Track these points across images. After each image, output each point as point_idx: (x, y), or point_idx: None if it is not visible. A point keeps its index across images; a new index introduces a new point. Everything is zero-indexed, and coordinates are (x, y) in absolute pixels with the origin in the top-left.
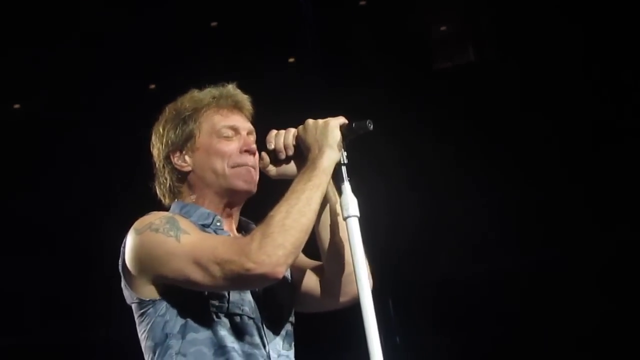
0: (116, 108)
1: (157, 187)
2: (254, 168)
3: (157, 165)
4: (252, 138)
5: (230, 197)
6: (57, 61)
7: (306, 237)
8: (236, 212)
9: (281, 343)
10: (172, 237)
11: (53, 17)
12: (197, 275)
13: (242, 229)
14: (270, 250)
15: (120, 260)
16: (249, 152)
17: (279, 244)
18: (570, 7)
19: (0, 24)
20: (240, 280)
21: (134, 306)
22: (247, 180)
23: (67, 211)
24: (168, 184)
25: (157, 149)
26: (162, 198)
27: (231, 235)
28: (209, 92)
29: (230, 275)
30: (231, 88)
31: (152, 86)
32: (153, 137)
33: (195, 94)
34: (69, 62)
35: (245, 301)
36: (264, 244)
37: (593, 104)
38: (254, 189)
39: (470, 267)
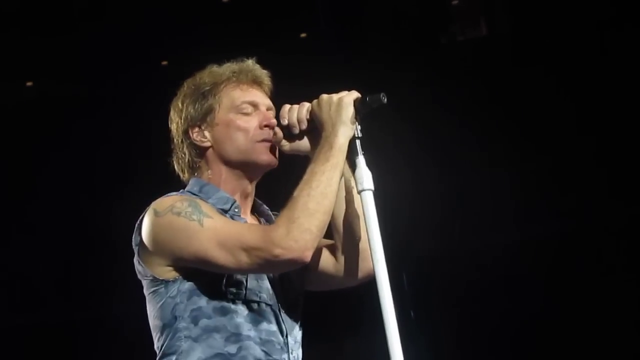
0: (128, 86)
1: (175, 163)
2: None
3: (175, 140)
4: (272, 113)
5: (250, 172)
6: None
7: (329, 219)
8: (252, 190)
9: (297, 329)
10: (194, 220)
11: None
12: (220, 258)
13: (257, 211)
14: (297, 235)
15: (135, 237)
16: (269, 126)
17: (305, 228)
18: None
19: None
20: (269, 266)
21: (145, 282)
22: (269, 155)
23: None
24: (187, 159)
25: (175, 124)
26: (180, 173)
27: (247, 221)
28: (228, 67)
29: (258, 261)
30: (251, 63)
31: (164, 62)
32: (171, 112)
33: (215, 68)
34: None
35: (262, 288)
36: (290, 229)
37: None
38: (276, 162)
39: (485, 239)
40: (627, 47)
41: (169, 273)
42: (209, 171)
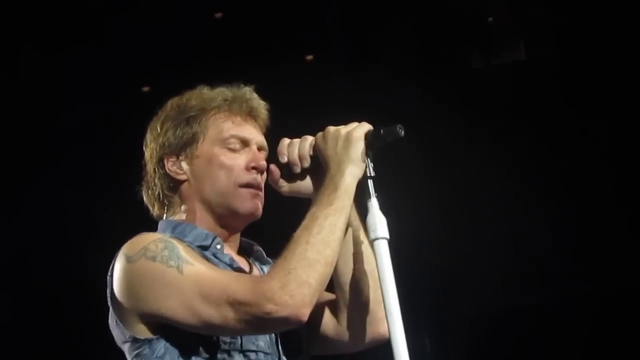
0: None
1: (144, 194)
2: (261, 190)
3: (147, 167)
4: (264, 155)
5: (228, 220)
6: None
7: (331, 271)
8: (235, 237)
9: None
10: (172, 267)
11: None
12: (203, 315)
13: (245, 252)
14: (293, 289)
15: (108, 291)
16: (257, 169)
17: (302, 281)
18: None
19: None
20: (259, 324)
21: (126, 346)
22: (252, 204)
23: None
24: (157, 192)
25: (150, 149)
26: (149, 207)
27: (234, 258)
28: (221, 93)
29: (247, 318)
30: (247, 91)
31: (146, 88)
32: (148, 135)
33: (205, 91)
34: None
35: (259, 335)
36: (286, 281)
37: None
38: (259, 213)
39: (515, 299)
40: None
41: (149, 330)
42: (183, 207)
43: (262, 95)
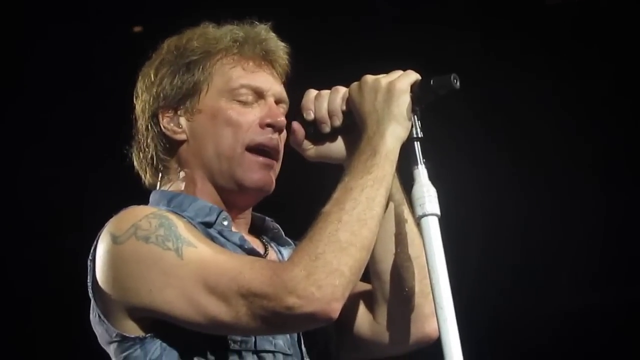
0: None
1: (134, 157)
2: (277, 157)
3: (139, 124)
4: (282, 108)
5: (232, 195)
6: None
7: (368, 256)
8: (246, 213)
9: None
10: (170, 250)
11: None
12: (209, 310)
13: (258, 230)
14: (321, 278)
15: (89, 280)
16: (274, 127)
17: (333, 268)
18: None
19: None
20: (279, 322)
21: (112, 347)
22: (260, 175)
23: None
24: (150, 154)
25: (142, 102)
26: (140, 173)
27: (244, 237)
28: (229, 32)
29: (263, 314)
30: (263, 30)
31: (137, 29)
32: (139, 84)
33: (210, 30)
34: None
35: (278, 334)
36: (312, 269)
37: None
38: (271, 188)
39: (588, 298)
40: None
41: (141, 326)
42: (181, 174)
43: (283, 36)
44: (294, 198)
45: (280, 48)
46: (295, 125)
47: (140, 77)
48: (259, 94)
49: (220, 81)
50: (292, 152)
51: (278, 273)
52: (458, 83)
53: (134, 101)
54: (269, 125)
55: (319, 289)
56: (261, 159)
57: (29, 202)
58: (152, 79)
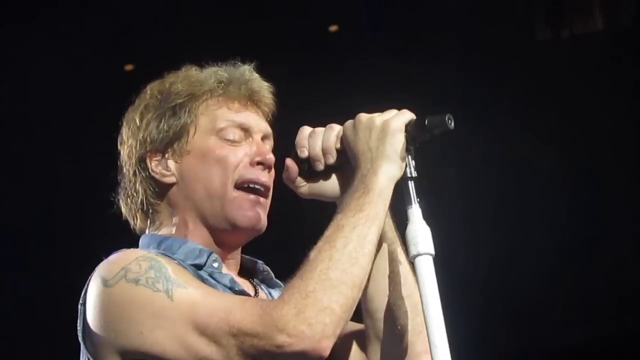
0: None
1: (122, 203)
2: (267, 194)
3: (125, 170)
4: (269, 145)
5: (224, 235)
6: None
7: (359, 295)
8: (235, 254)
9: None
10: (160, 291)
11: None
12: (200, 350)
13: (248, 272)
14: (312, 316)
15: (79, 324)
16: (263, 164)
17: (323, 306)
18: None
19: None
20: None
21: None
22: (251, 214)
23: None
24: (140, 199)
25: (128, 147)
26: (130, 219)
27: (234, 279)
28: (213, 74)
29: (255, 353)
30: (246, 71)
31: (129, 67)
32: (124, 129)
33: (193, 72)
34: None
35: None
36: (302, 307)
37: None
38: (263, 226)
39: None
40: None
41: None
42: (172, 218)
43: (265, 74)
44: (285, 238)
45: (264, 88)
46: (289, 162)
47: (124, 123)
48: (246, 132)
49: (206, 122)
50: (285, 190)
51: (268, 311)
52: (452, 123)
53: (119, 147)
54: (259, 163)
55: (309, 327)
56: (252, 196)
57: None
58: (138, 123)
